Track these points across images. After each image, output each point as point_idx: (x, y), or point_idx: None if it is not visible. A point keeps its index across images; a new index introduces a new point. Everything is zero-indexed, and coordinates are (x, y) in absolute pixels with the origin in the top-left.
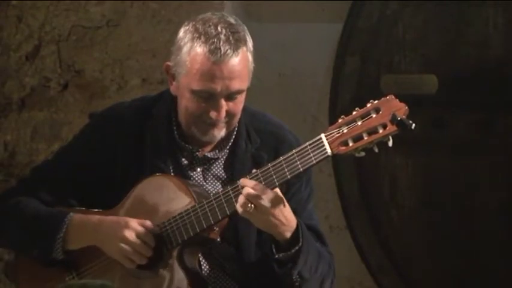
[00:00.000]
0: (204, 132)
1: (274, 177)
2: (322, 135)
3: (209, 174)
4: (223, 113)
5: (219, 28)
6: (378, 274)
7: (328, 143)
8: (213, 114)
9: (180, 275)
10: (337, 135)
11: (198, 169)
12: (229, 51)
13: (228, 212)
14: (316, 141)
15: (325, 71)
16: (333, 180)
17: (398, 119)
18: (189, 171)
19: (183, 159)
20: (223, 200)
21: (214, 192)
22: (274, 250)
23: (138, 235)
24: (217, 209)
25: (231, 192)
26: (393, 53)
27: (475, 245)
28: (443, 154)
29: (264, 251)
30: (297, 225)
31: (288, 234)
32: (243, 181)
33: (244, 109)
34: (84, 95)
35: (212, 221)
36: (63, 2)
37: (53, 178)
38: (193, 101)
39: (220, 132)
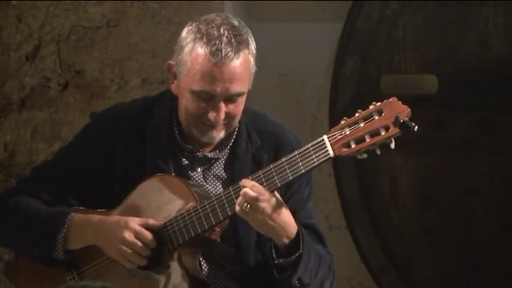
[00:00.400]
0: (203, 133)
1: (276, 178)
2: (325, 137)
3: (209, 174)
4: (222, 115)
5: (221, 30)
6: (378, 274)
7: (331, 144)
8: (212, 115)
9: (180, 275)
10: (340, 136)
11: (199, 169)
12: (230, 53)
13: (229, 213)
14: (318, 142)
15: (325, 71)
16: (333, 180)
17: (401, 121)
18: (190, 171)
19: (184, 159)
20: (224, 201)
21: (214, 192)
22: (274, 255)
23: (137, 236)
24: (218, 210)
25: (232, 192)
26: (393, 53)
27: (475, 245)
28: (443, 154)
29: (264, 252)
30: (298, 231)
31: (286, 240)
32: (244, 181)
33: (244, 109)
34: (84, 95)
35: (213, 222)
36: (63, 2)
37: (53, 178)
38: (193, 102)
39: (220, 134)
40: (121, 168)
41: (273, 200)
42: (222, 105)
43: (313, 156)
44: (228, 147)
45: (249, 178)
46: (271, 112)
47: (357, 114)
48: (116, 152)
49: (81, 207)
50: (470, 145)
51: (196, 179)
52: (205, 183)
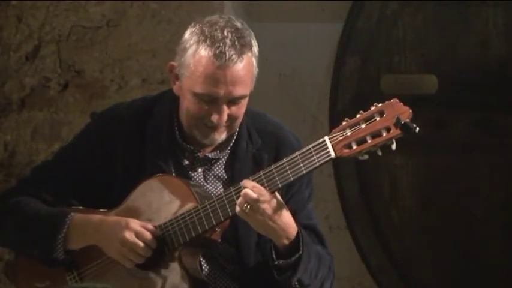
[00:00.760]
0: (204, 135)
1: (277, 178)
2: (326, 138)
3: (210, 174)
4: (224, 117)
5: (225, 32)
6: (378, 274)
7: (332, 145)
8: (214, 117)
9: (180, 275)
10: (341, 137)
11: (199, 169)
12: (234, 56)
13: (230, 213)
14: (319, 143)
15: (325, 71)
16: (333, 180)
17: (403, 122)
18: (190, 172)
19: (184, 160)
20: (225, 201)
21: (215, 192)
22: (274, 256)
23: (138, 236)
24: (219, 210)
25: (233, 193)
26: (393, 53)
27: (474, 245)
28: (443, 154)
29: (264, 252)
30: (298, 232)
31: (286, 241)
32: (245, 182)
33: (245, 110)
34: (84, 95)
35: (214, 222)
36: (63, 2)
37: (53, 178)
38: (195, 104)
39: (221, 136)
40: (121, 168)
41: (274, 201)
42: (225, 107)
43: (314, 157)
44: (229, 148)
45: (250, 179)
46: (271, 112)
47: (358, 115)
48: (116, 152)
49: (81, 207)
50: (470, 145)
51: (197, 179)
52: (205, 184)
